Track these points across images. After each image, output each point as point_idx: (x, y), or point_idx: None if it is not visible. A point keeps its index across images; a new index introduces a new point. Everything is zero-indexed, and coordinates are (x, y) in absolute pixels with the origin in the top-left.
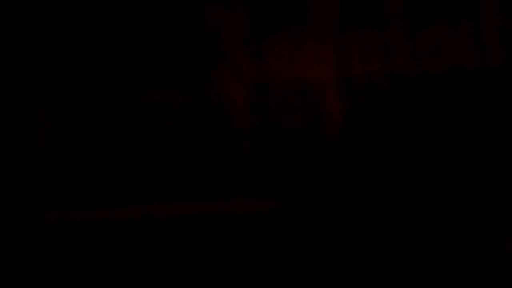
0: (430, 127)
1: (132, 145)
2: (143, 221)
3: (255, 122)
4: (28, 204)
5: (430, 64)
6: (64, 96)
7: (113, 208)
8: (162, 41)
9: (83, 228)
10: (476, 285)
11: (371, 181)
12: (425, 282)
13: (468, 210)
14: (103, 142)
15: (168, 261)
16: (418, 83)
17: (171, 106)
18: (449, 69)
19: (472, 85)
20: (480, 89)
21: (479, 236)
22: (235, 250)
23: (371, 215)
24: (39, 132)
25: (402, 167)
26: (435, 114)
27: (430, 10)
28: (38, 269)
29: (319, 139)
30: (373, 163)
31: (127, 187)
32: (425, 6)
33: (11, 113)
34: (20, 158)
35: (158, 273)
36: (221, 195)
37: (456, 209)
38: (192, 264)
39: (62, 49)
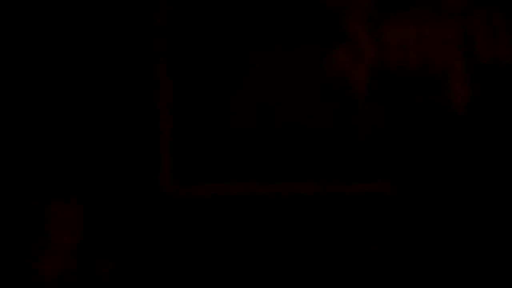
0: None
1: (252, 123)
2: (262, 199)
3: (373, 105)
4: (149, 177)
5: None
6: (186, 67)
7: (233, 184)
8: (284, 21)
9: (203, 203)
10: None
11: (492, 173)
12: None
13: None
14: (224, 119)
15: (286, 241)
16: None
17: (291, 86)
18: None
19: None
20: None
21: None
22: (350, 232)
23: (490, 206)
24: (161, 104)
25: None
26: None
27: None
28: (156, 239)
29: (439, 126)
30: (495, 156)
31: (246, 164)
32: None
33: (133, 82)
34: (142, 132)
35: (273, 251)
36: (338, 176)
37: None
38: (311, 245)
39: (186, 24)
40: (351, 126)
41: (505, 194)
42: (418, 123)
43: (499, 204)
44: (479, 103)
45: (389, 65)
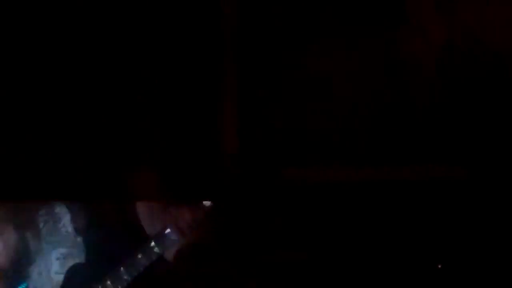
0: None
1: (316, 110)
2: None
3: (442, 85)
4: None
5: None
6: (252, 55)
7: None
8: (350, 2)
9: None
10: None
11: None
12: None
13: None
14: (289, 106)
15: (360, 226)
16: None
17: (355, 67)
18: None
19: None
20: None
21: None
22: (422, 216)
23: None
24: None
25: None
26: None
27: None
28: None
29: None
30: None
31: (313, 150)
32: None
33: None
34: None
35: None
36: (406, 160)
37: None
38: (385, 229)
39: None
40: (420, 109)
41: None
42: (489, 106)
43: None
44: None
45: (459, 44)
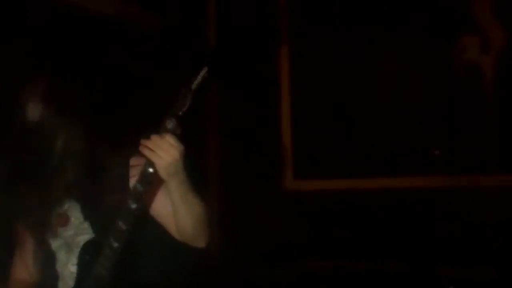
0: None
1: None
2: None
3: (501, 94)
4: (273, 174)
5: None
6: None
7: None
8: (412, 9)
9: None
10: None
11: None
12: None
13: None
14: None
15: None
16: None
17: (415, 74)
18: None
19: None
20: None
21: None
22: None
23: None
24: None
25: None
26: None
27: None
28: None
29: None
30: None
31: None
32: None
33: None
34: (268, 140)
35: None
36: (470, 168)
37: None
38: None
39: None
40: (478, 116)
41: None
42: None
43: None
44: None
45: None
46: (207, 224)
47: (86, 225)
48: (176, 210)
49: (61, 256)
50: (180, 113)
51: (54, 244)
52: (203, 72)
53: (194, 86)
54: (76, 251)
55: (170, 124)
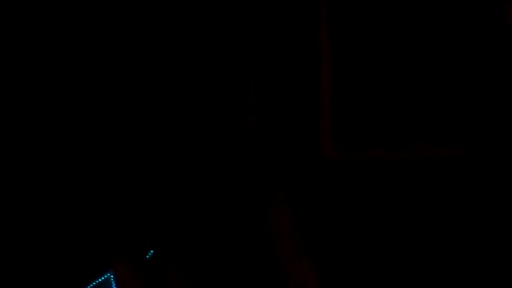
0: None
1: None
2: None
3: None
4: (312, 142)
5: None
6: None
7: (383, 149)
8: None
9: (361, 165)
10: None
11: None
12: None
13: None
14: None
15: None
16: None
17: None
18: None
19: None
20: None
21: None
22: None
23: None
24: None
25: None
26: None
27: None
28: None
29: None
30: None
31: (395, 131)
32: None
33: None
34: (307, 101)
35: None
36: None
37: None
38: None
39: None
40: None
41: None
42: None
43: None
44: None
45: None
46: None
47: None
48: None
49: None
50: None
51: None
52: None
53: None
54: None
55: None
